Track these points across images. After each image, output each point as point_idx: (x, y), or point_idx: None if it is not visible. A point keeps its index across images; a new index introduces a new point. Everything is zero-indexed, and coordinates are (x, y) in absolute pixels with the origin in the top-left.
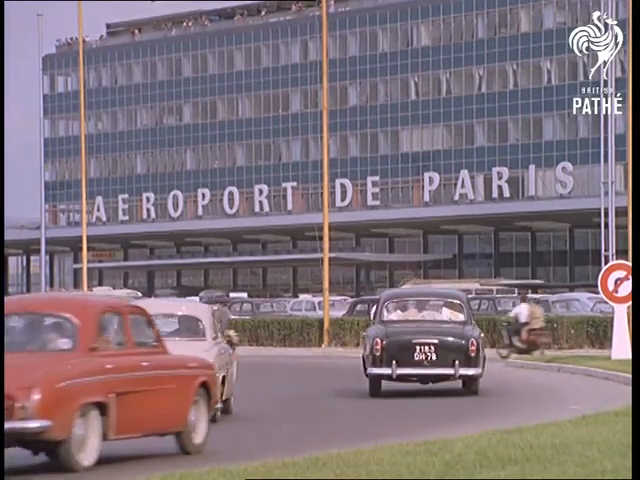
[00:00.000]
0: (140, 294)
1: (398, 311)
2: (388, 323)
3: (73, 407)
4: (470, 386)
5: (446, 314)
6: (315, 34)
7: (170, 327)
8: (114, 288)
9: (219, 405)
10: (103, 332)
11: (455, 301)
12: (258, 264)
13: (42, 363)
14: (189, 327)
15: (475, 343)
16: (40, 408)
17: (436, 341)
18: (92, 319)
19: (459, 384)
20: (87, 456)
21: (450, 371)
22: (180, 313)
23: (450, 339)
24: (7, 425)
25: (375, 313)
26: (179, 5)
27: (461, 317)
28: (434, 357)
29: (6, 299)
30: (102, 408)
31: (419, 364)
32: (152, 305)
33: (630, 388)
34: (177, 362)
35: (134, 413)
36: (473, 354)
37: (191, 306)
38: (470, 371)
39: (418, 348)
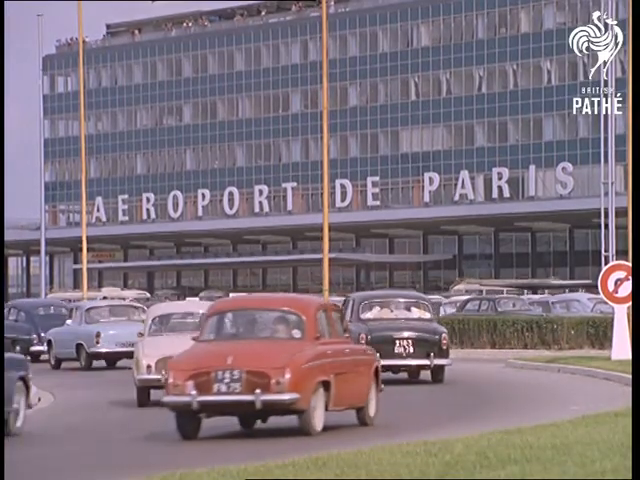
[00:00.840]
0: (149, 295)
1: (374, 310)
2: (367, 321)
3: (312, 384)
4: (438, 375)
5: (415, 313)
6: (315, 34)
7: (193, 324)
8: (122, 289)
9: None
10: (320, 325)
11: (421, 302)
12: (258, 265)
13: (284, 349)
14: None
15: (446, 338)
16: (291, 384)
17: (414, 336)
18: (314, 314)
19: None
20: (318, 423)
21: (426, 362)
22: (200, 311)
23: (425, 334)
24: (263, 397)
25: (351, 312)
26: (179, 5)
27: (428, 315)
28: (411, 350)
29: (233, 297)
30: (326, 385)
31: (399, 356)
32: (177, 305)
33: (630, 388)
34: (361, 349)
35: (343, 390)
36: (445, 347)
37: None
38: (443, 361)
39: (398, 342)
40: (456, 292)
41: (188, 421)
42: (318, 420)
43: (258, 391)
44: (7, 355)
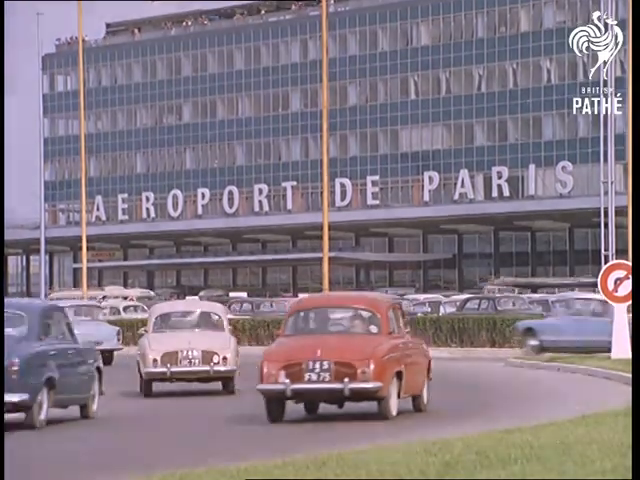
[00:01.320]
0: (153, 293)
1: None
2: None
3: (390, 374)
4: None
5: None
6: (315, 33)
7: (193, 321)
8: (126, 288)
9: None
10: (391, 321)
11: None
12: (258, 264)
13: (366, 342)
14: (210, 321)
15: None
16: (375, 373)
17: None
18: (386, 312)
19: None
20: (394, 409)
21: None
22: (200, 310)
23: None
24: (351, 385)
25: None
26: (179, 4)
27: None
28: None
29: (311, 297)
30: (399, 375)
31: None
32: (177, 304)
33: (630, 388)
34: (418, 344)
35: (410, 379)
36: None
37: (210, 305)
38: None
39: None
40: (490, 291)
41: (276, 406)
42: (393, 406)
43: (346, 380)
44: (85, 346)
